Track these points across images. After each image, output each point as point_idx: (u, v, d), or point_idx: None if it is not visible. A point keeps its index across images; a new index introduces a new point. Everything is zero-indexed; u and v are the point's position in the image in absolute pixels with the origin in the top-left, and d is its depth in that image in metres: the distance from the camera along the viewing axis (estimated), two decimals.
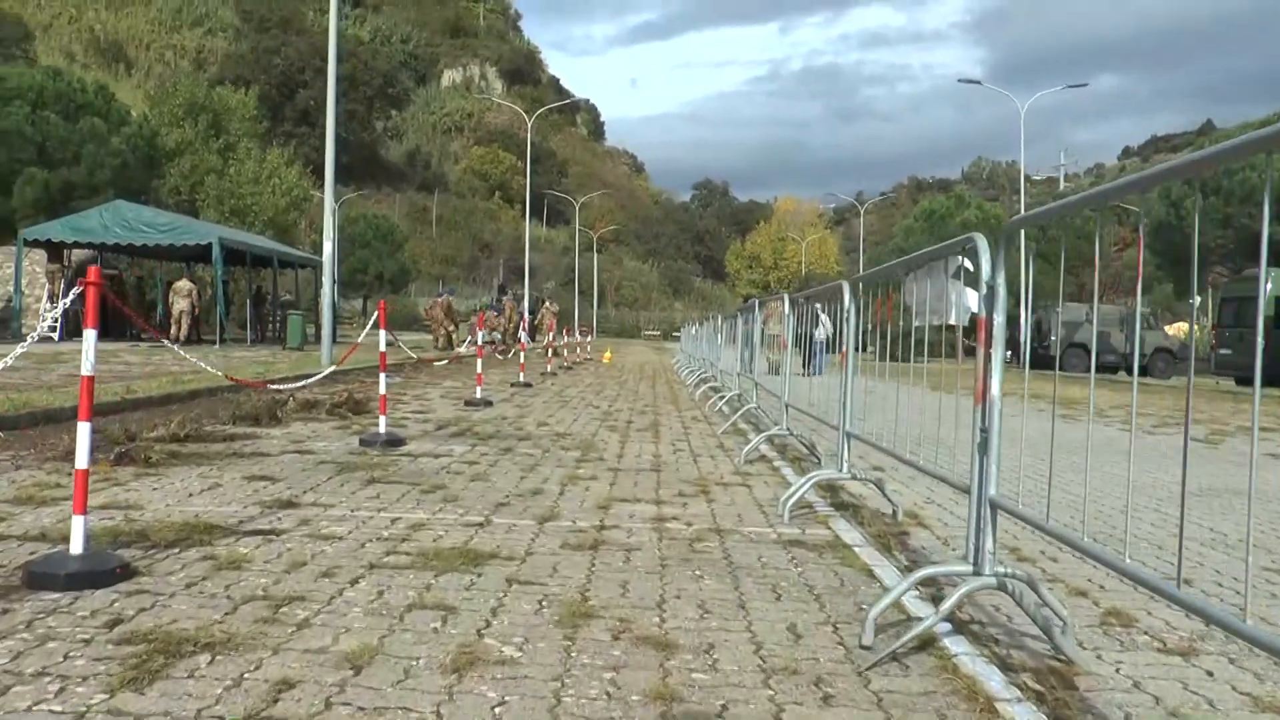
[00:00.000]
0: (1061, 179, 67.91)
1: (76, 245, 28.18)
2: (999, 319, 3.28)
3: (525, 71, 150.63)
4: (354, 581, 3.91)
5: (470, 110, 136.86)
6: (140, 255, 33.57)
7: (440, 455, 7.67)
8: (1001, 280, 3.29)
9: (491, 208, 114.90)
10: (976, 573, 3.25)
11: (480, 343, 13.79)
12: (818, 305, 9.43)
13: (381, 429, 8.18)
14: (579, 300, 77.70)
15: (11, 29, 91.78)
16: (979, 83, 43.92)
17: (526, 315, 38.26)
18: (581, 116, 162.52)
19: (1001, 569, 3.22)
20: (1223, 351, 28.80)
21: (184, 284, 27.50)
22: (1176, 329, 48.67)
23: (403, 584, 3.90)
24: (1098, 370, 38.11)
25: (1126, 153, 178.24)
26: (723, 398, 13.37)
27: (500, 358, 25.59)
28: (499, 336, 32.75)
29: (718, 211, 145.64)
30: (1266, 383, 24.53)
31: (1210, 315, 46.51)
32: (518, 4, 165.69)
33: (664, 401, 14.60)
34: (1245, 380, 27.15)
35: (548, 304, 36.58)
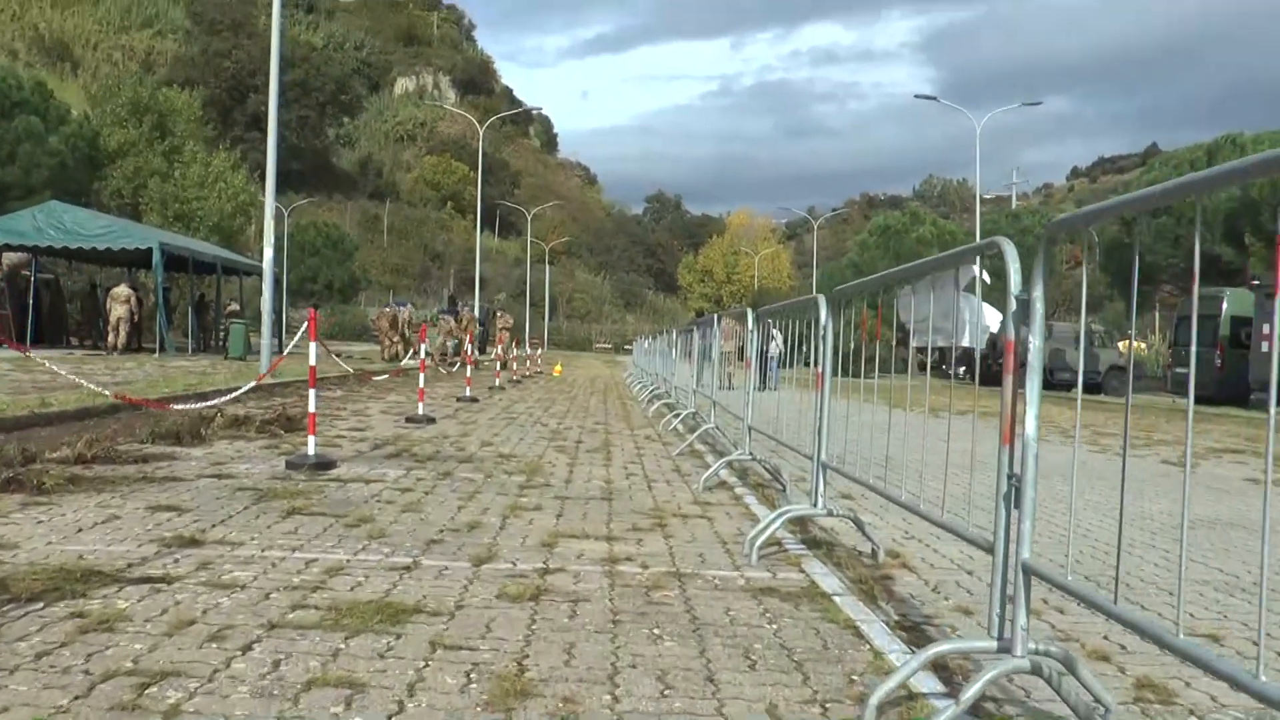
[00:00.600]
0: (1014, 198, 68.16)
1: (7, 248, 27.04)
2: (1035, 341, 2.73)
3: (479, 81, 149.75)
4: (247, 648, 3.27)
5: (423, 119, 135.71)
6: (78, 259, 32.40)
7: (372, 480, 7.01)
8: (1039, 293, 2.74)
9: (444, 218, 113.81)
10: (1004, 650, 2.68)
11: (424, 354, 13.11)
12: (769, 321, 8.92)
13: (310, 450, 7.51)
14: (530, 312, 76.96)
15: None
16: (935, 98, 43.93)
17: (478, 326, 37.48)
18: (534, 128, 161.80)
19: (1034, 646, 2.66)
20: (1179, 370, 28.79)
21: (122, 290, 26.45)
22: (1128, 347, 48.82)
23: (305, 650, 3.26)
24: (1051, 388, 38.24)
25: (1075, 173, 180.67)
26: (678, 415, 12.80)
27: (445, 371, 24.83)
28: (453, 346, 32.00)
29: (670, 225, 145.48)
30: (1223, 400, 24.46)
31: (1161, 334, 46.80)
32: (472, 14, 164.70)
33: (616, 419, 14.01)
34: (1202, 399, 27.05)
35: (500, 314, 35.81)
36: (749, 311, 9.12)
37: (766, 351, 10.39)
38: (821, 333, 5.58)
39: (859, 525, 5.30)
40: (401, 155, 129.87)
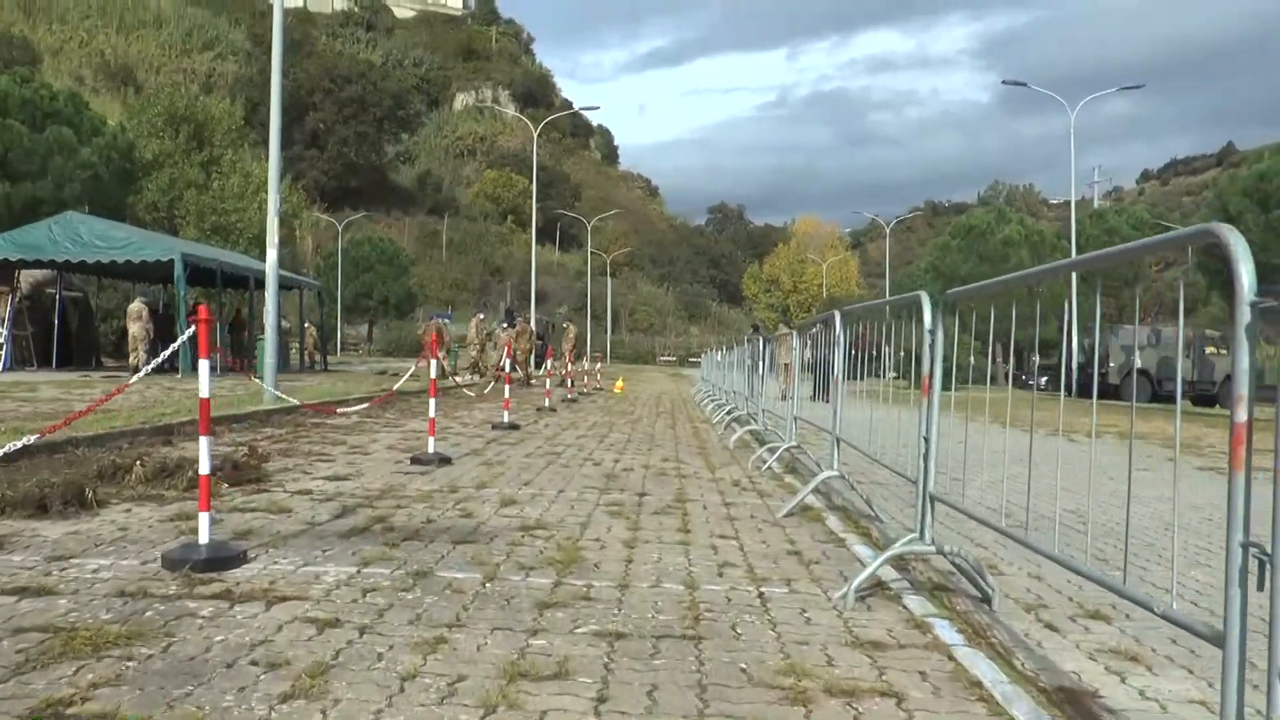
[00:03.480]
0: (1096, 198, 64.00)
1: (23, 264, 24.84)
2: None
3: (538, 95, 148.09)
4: None
5: (483, 133, 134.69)
6: (96, 274, 30.25)
7: (286, 596, 4.10)
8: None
9: (503, 232, 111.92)
10: None
11: (437, 370, 10.26)
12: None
13: (203, 535, 4.62)
14: (591, 325, 74.23)
15: (19, 52, 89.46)
16: (1024, 84, 40.40)
17: (535, 340, 34.49)
18: (595, 140, 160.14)
19: None
20: None
21: (135, 306, 24.10)
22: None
23: None
24: (1157, 400, 34.52)
25: (1145, 175, 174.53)
26: (772, 450, 9.77)
27: (475, 394, 22.04)
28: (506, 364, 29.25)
29: (733, 235, 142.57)
30: None
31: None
32: (529, 30, 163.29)
33: (689, 452, 11.01)
34: None
35: (568, 326, 32.68)
36: (835, 314, 7.50)
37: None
38: (929, 339, 4.70)
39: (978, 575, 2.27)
40: (461, 170, 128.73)
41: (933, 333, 4.66)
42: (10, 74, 36.36)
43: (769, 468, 9.21)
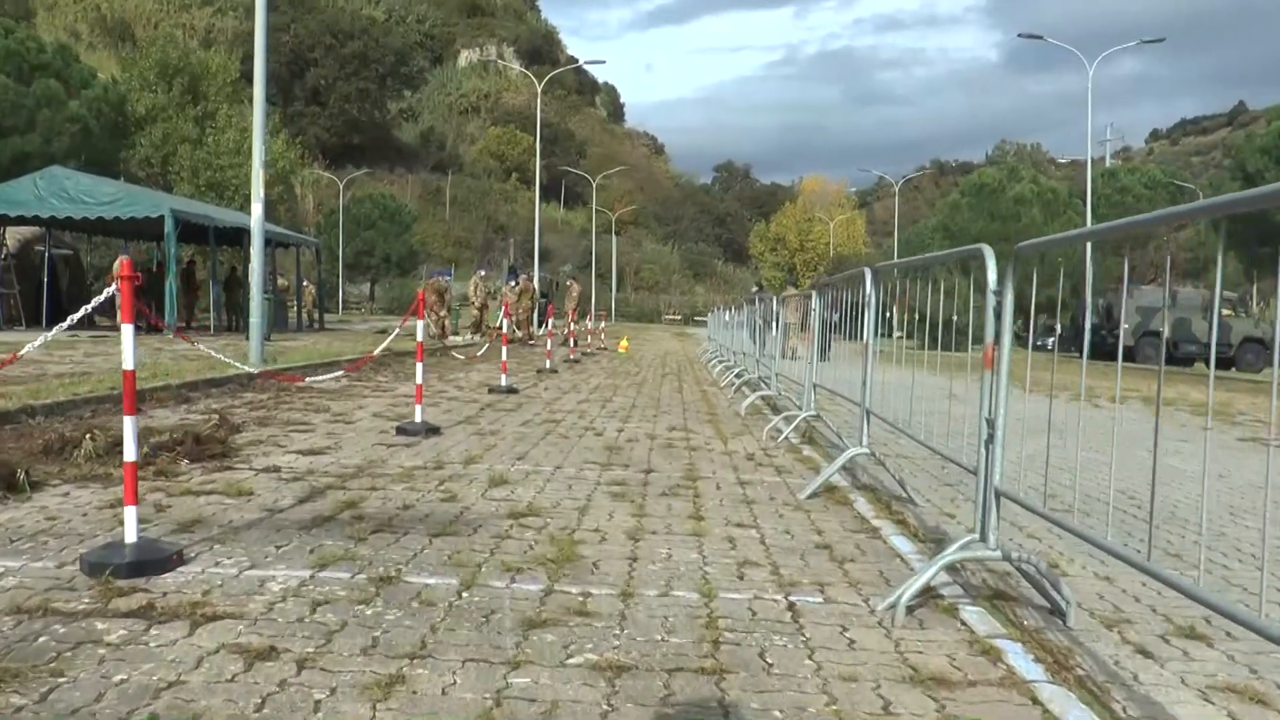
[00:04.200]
0: (1108, 156, 62.93)
1: (5, 220, 24.09)
2: None
3: (543, 51, 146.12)
4: None
5: (487, 90, 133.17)
6: (83, 231, 29.43)
7: (221, 612, 3.38)
8: None
9: (508, 189, 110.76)
10: None
11: (425, 332, 9.54)
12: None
13: (129, 533, 3.91)
14: (596, 283, 73.35)
15: (12, 5, 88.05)
16: (1041, 37, 39.20)
17: (538, 298, 33.56)
18: (600, 98, 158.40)
19: None
20: None
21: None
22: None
23: None
24: (1173, 362, 33.69)
25: (1154, 135, 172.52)
26: (789, 419, 9.04)
27: (460, 354, 21.25)
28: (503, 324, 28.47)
29: (739, 194, 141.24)
30: None
31: None
32: None
33: (698, 419, 10.30)
34: None
35: (571, 284, 31.54)
36: (866, 271, 6.69)
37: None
38: (993, 300, 3.98)
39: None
40: (465, 128, 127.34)
41: (999, 293, 3.95)
42: None
43: (785, 439, 8.48)
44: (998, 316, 3.93)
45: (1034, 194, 48.21)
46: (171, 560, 3.89)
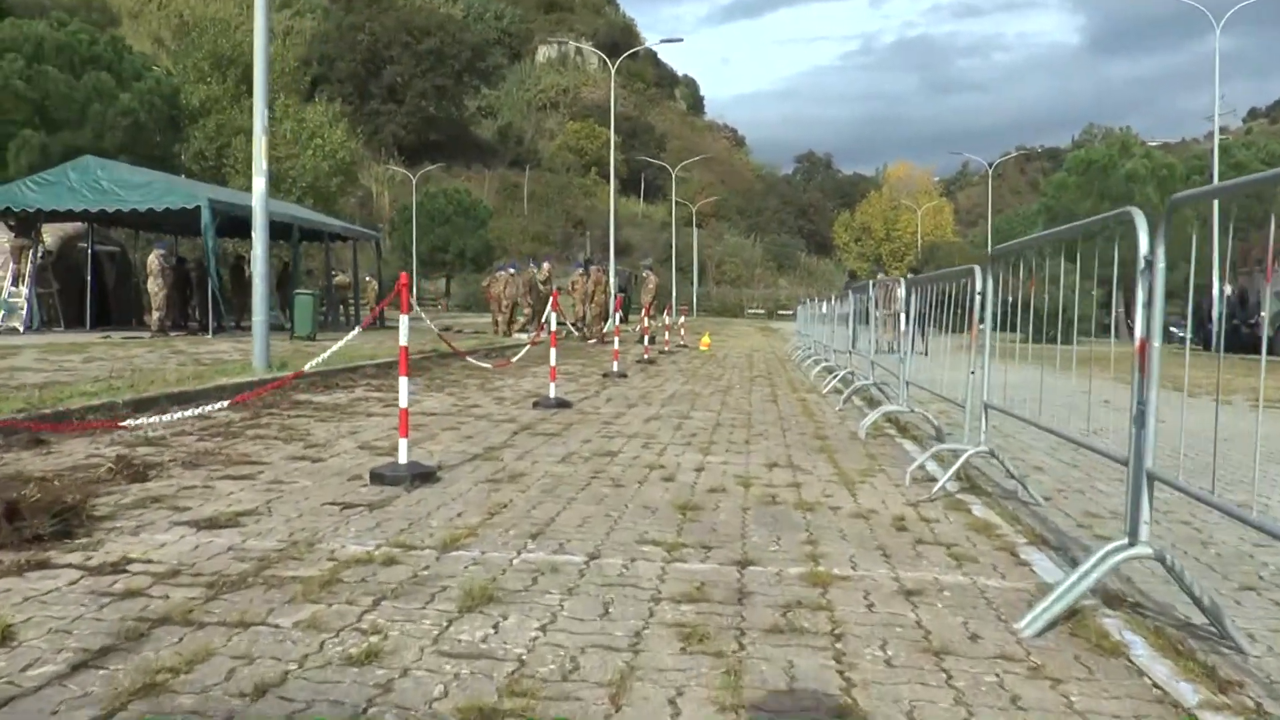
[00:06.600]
0: (1215, 133, 58.59)
1: (40, 215, 22.30)
2: None
3: (621, 45, 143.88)
4: None
5: (565, 86, 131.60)
6: (138, 227, 27.75)
7: None
8: None
9: (586, 184, 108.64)
10: None
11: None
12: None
13: None
14: (677, 277, 70.63)
15: (98, 15, 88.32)
16: None
17: (611, 292, 30.55)
18: (680, 90, 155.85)
19: None
20: None
21: (151, 259, 21.38)
22: None
23: None
24: None
25: (1253, 114, 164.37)
26: (946, 458, 6.31)
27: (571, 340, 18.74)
28: (573, 322, 25.92)
29: (821, 184, 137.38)
30: None
31: None
32: None
33: (805, 446, 7.60)
34: None
35: (648, 275, 28.65)
36: (975, 269, 6.08)
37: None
38: (1144, 269, 3.42)
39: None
40: (544, 123, 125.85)
41: (1151, 261, 3.34)
42: (46, 18, 33.91)
43: (941, 489, 5.73)
44: (1150, 291, 3.36)
45: (1148, 170, 44.28)
46: None
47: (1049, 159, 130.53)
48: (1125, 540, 3.33)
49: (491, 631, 3.08)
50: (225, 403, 6.68)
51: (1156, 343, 3.32)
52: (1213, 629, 3.25)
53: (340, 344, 6.91)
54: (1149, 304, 3.36)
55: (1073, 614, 3.36)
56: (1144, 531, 3.27)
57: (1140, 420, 3.31)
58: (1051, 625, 3.26)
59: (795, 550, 4.25)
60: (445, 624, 3.14)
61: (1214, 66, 36.42)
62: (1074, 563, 4.20)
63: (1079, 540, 4.72)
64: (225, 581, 3.55)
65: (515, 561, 3.92)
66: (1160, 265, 3.32)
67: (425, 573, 3.72)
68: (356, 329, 7.50)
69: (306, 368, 8.89)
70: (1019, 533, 4.74)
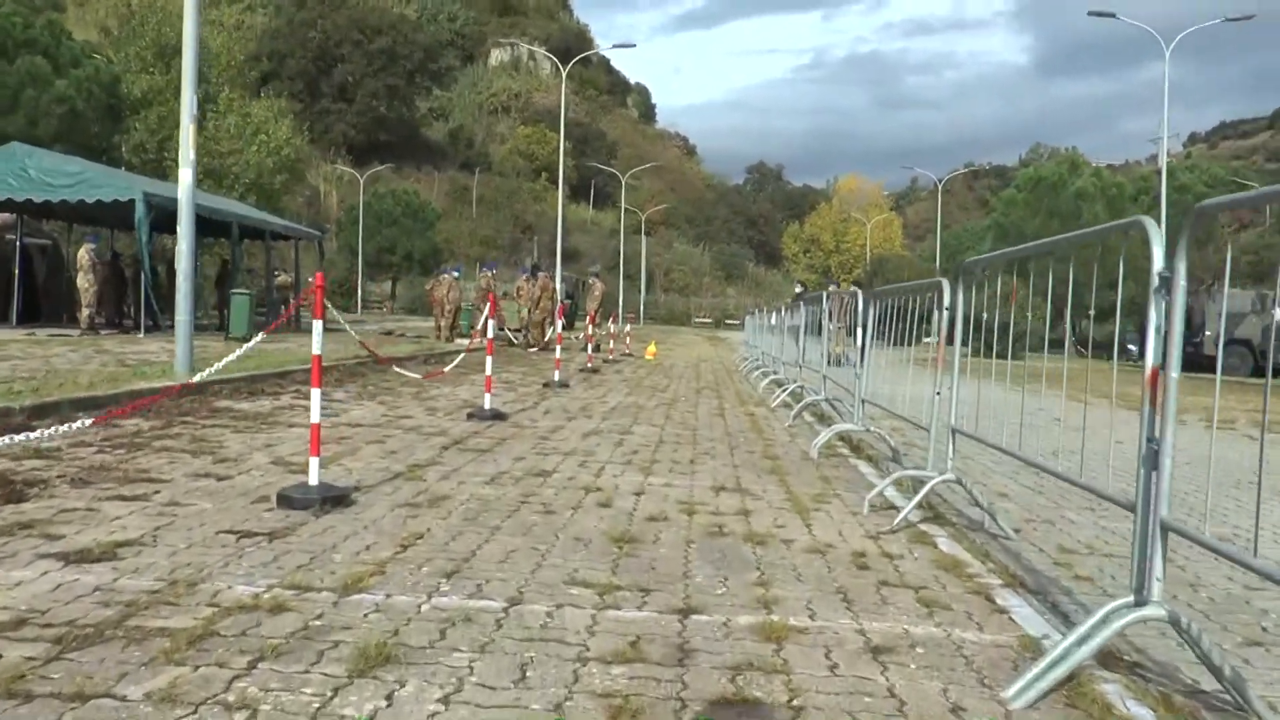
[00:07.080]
0: (1163, 153, 59.46)
1: None
2: None
3: (574, 51, 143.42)
4: None
5: (517, 90, 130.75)
6: (71, 219, 26.69)
7: None
8: None
9: (536, 189, 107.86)
10: None
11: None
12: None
13: None
14: (625, 285, 70.16)
15: (43, 2, 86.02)
16: (1114, 15, 35.70)
17: (558, 298, 29.94)
18: (632, 98, 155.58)
19: None
20: None
21: (81, 254, 20.52)
22: None
23: None
24: (1261, 374, 30.17)
25: (1193, 139, 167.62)
26: (908, 486, 5.88)
27: (525, 349, 18.17)
28: (519, 323, 25.37)
29: (771, 195, 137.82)
30: None
31: None
32: None
33: (754, 466, 7.15)
34: None
35: (594, 282, 28.01)
36: (942, 282, 5.61)
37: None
38: (1159, 287, 3.00)
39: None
40: (495, 127, 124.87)
41: (1168, 278, 2.92)
42: None
43: (904, 520, 5.29)
44: (1167, 313, 2.95)
45: (1097, 188, 44.55)
46: None
47: (996, 176, 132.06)
48: (1130, 598, 2.89)
49: (383, 704, 2.56)
50: (88, 421, 6.08)
51: (1174, 374, 2.89)
52: (1227, 697, 2.82)
53: (239, 352, 6.34)
54: (1166, 327, 2.93)
55: (1068, 677, 2.92)
56: (1155, 589, 2.86)
57: (1152, 461, 2.90)
58: (1044, 696, 2.82)
59: (745, 594, 3.78)
60: (329, 693, 2.62)
61: (1161, 90, 36.73)
62: (1055, 609, 3.78)
63: (1057, 581, 4.30)
64: (77, 635, 3.00)
65: (424, 608, 3.41)
66: (1182, 282, 2.88)
67: (317, 623, 3.19)
68: (260, 335, 6.94)
69: (195, 379, 8.26)
70: (992, 572, 4.31)
